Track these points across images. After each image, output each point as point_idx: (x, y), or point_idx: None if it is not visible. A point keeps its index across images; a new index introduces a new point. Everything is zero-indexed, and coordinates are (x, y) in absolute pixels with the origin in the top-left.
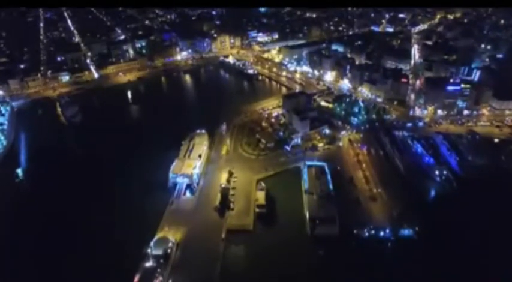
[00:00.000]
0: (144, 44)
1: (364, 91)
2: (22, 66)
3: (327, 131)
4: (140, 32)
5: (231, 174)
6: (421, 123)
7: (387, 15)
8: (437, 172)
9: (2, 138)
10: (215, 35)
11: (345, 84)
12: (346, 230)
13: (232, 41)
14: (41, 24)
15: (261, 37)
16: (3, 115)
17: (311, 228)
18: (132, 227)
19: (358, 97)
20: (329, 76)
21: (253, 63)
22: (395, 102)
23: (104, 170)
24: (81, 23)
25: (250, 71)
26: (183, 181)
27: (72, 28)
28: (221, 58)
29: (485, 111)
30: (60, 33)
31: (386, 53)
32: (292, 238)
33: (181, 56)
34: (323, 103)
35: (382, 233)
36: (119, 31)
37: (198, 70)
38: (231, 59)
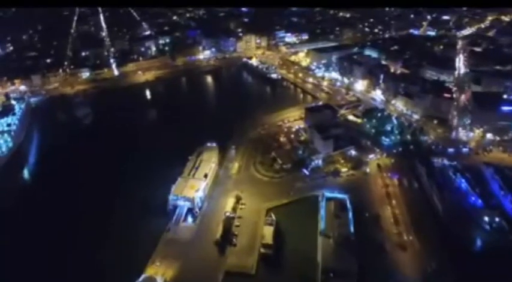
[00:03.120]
0: (167, 40)
1: (399, 105)
2: (48, 60)
3: (353, 152)
4: (166, 28)
5: (238, 199)
6: (465, 149)
7: (429, 17)
8: (486, 218)
9: (9, 140)
10: (241, 34)
11: (377, 95)
12: None
13: (258, 40)
14: (75, 18)
15: (289, 38)
16: (14, 114)
17: (323, 281)
18: (120, 257)
19: (392, 112)
20: (360, 85)
21: (278, 67)
22: (435, 121)
23: (104, 181)
24: (112, 17)
25: (274, 76)
26: (184, 204)
27: (102, 22)
28: (244, 59)
29: None
30: (89, 27)
31: (426, 61)
32: None
33: (204, 55)
34: (351, 117)
35: None
36: (145, 26)
37: (219, 71)
38: (254, 61)
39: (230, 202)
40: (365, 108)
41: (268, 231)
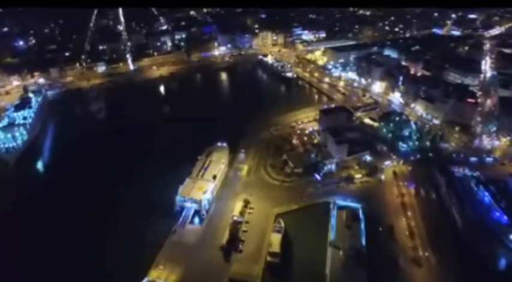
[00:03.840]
0: (183, 36)
1: (418, 109)
2: (67, 54)
3: (368, 158)
4: (183, 23)
5: (246, 203)
6: (489, 159)
7: (453, 15)
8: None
9: (24, 132)
10: (257, 31)
11: (396, 98)
12: None
13: (274, 37)
14: (95, 12)
15: (306, 35)
16: (30, 108)
17: None
18: (125, 257)
19: (410, 117)
20: (378, 87)
21: (294, 65)
22: (457, 128)
23: (111, 179)
24: (130, 12)
25: (289, 75)
26: (191, 206)
27: (121, 17)
28: (260, 57)
29: None
30: (108, 21)
31: (449, 63)
32: None
33: (219, 51)
34: (367, 120)
35: None
36: (162, 21)
37: (234, 68)
38: (269, 59)
39: (238, 206)
40: (382, 112)
41: (275, 239)
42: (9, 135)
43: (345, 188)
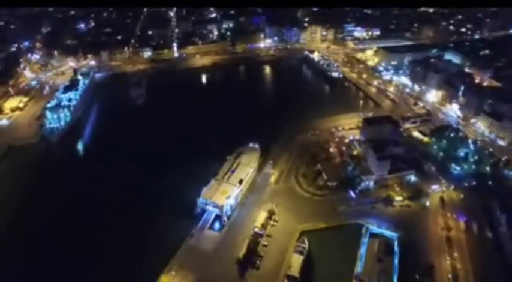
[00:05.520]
0: (231, 25)
1: (480, 126)
2: (119, 37)
3: (413, 178)
4: (232, 12)
5: (271, 214)
6: None
7: None
8: None
9: (68, 114)
10: (306, 25)
11: (453, 111)
12: None
13: (324, 33)
14: None
15: (359, 32)
16: (77, 90)
17: None
18: (138, 256)
19: (469, 134)
20: (433, 96)
21: (342, 64)
22: None
23: (139, 170)
24: None
25: (335, 74)
26: (212, 210)
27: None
28: (306, 52)
29: None
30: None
31: None
32: None
33: (265, 43)
34: (416, 134)
35: None
36: (212, 9)
37: (278, 63)
38: (316, 56)
39: (262, 216)
40: (435, 125)
41: (296, 261)
42: (55, 116)
43: (381, 210)
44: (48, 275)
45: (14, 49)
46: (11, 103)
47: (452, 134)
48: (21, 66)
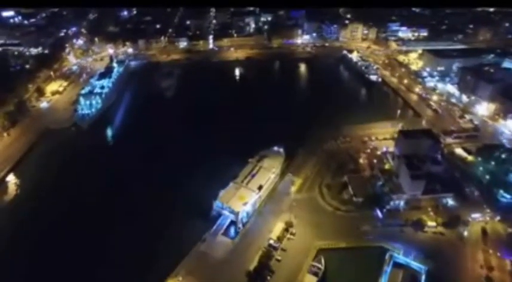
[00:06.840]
0: (269, 19)
1: None
2: (158, 26)
3: (450, 202)
4: None
5: (288, 226)
6: None
7: None
8: None
9: (99, 101)
10: (347, 22)
11: (507, 127)
12: None
13: (365, 31)
14: None
15: (404, 32)
16: (110, 77)
17: None
18: (147, 256)
19: None
20: (483, 109)
21: (382, 66)
22: None
23: (161, 163)
24: None
25: (373, 78)
26: (227, 215)
27: None
28: (344, 51)
29: None
30: None
31: None
32: None
33: (302, 39)
34: (459, 151)
35: None
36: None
37: (314, 61)
38: (354, 56)
39: (278, 227)
40: (483, 143)
41: None
42: (87, 103)
43: (410, 235)
44: (49, 275)
45: (62, 34)
46: (53, 86)
47: (503, 155)
48: (66, 51)
